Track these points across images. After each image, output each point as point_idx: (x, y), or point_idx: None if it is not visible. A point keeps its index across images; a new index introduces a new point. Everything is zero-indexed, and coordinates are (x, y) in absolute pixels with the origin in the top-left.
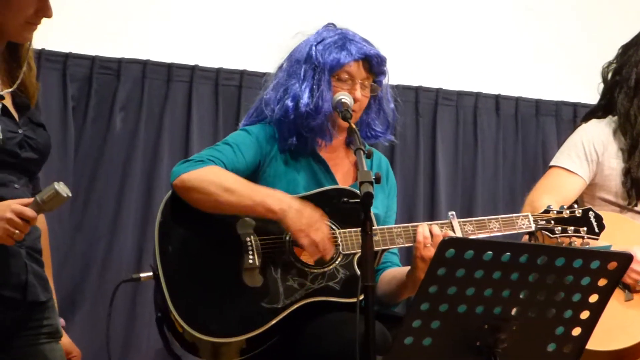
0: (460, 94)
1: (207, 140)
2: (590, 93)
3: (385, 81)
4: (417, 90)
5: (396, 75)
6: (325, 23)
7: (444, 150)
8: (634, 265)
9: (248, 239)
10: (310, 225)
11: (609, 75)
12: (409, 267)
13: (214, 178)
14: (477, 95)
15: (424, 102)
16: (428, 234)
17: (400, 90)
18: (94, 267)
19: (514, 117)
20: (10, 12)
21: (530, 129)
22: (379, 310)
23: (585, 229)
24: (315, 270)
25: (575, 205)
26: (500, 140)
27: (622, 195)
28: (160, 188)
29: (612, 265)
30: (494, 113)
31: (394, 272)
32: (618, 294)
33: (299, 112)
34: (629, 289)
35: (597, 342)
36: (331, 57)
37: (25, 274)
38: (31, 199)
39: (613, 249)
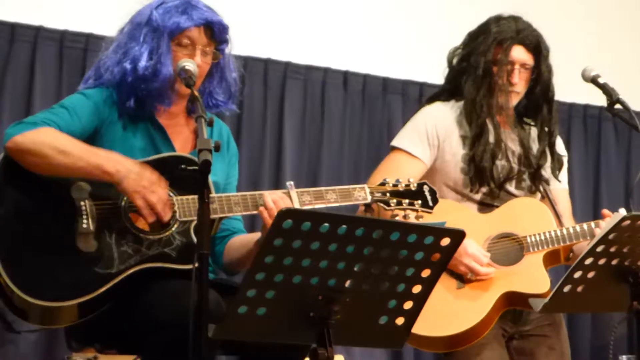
0: (309, 68)
1: (50, 103)
2: (437, 74)
3: (227, 50)
4: (266, 63)
5: (245, 46)
6: None
7: (290, 123)
8: (464, 257)
9: (82, 203)
10: (147, 187)
11: (455, 61)
12: (258, 234)
13: (48, 140)
14: (326, 70)
15: (272, 74)
16: (272, 204)
17: (249, 62)
18: None
19: (361, 93)
20: None
21: (376, 106)
22: (216, 279)
23: (419, 202)
24: (151, 237)
25: (411, 180)
26: (347, 116)
27: (461, 183)
28: None
29: (445, 241)
30: (342, 88)
31: (243, 238)
32: (450, 283)
33: (137, 75)
34: (461, 278)
35: (431, 328)
36: (171, 21)
37: None
38: None
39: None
